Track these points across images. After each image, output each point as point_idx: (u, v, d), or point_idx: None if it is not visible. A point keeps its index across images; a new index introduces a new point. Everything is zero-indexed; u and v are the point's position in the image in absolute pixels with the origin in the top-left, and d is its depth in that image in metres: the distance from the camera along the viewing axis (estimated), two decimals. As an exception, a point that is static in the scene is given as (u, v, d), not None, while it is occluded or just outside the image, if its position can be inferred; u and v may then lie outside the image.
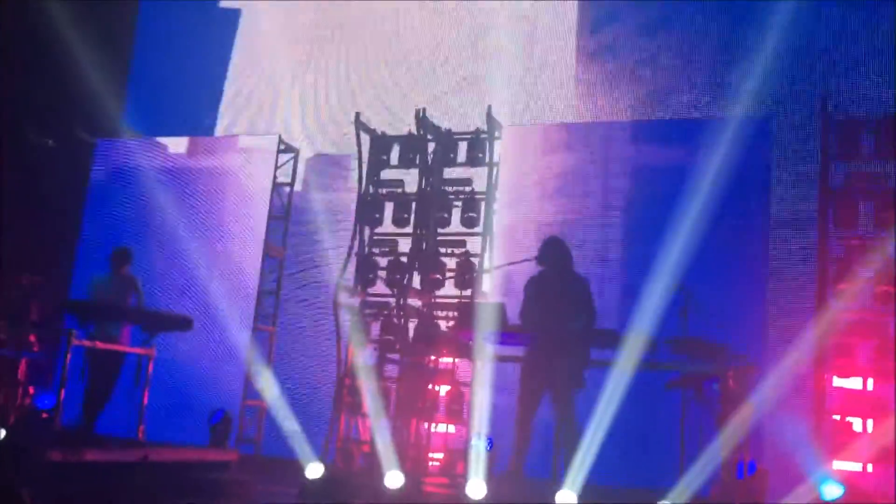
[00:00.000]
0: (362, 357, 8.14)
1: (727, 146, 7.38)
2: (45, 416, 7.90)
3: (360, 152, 8.72)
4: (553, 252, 6.63)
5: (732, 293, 7.71)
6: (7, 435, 6.42)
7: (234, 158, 10.63)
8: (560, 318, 6.33)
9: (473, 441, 6.49)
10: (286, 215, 10.12)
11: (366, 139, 8.81)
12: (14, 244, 9.90)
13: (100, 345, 7.30)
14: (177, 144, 11.05)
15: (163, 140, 11.19)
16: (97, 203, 10.77)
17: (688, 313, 6.44)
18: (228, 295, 10.34)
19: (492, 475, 6.10)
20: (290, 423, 7.59)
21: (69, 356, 6.93)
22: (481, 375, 7.33)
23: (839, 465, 6.96)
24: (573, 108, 9.66)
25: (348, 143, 9.39)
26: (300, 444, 7.06)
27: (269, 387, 9.05)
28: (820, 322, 7.28)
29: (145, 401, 7.47)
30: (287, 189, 10.18)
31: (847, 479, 6.52)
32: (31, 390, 8.51)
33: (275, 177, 10.14)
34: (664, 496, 5.22)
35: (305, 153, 10.50)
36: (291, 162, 10.26)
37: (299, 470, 6.55)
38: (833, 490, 5.97)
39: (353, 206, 8.83)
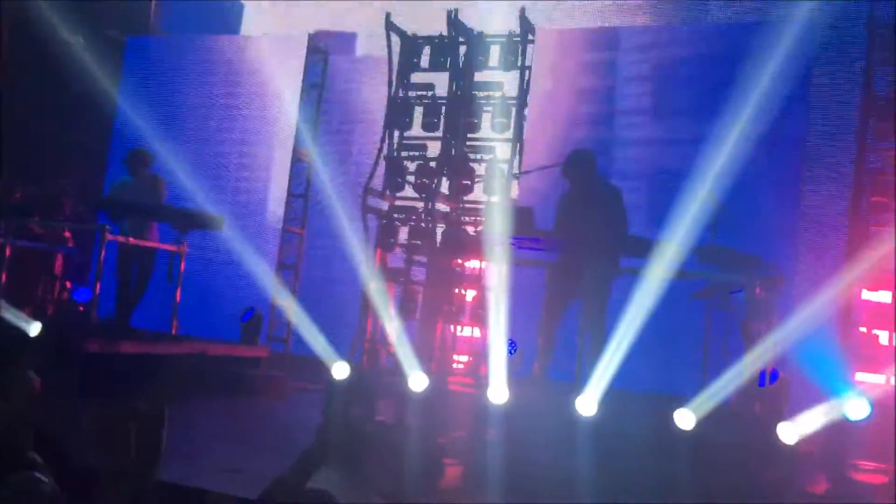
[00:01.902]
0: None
1: (767, 52, 7.16)
2: (81, 309, 8.11)
3: (389, 54, 8.59)
4: (577, 167, 6.47)
5: (765, 204, 7.61)
6: (45, 327, 6.60)
7: (263, 58, 10.51)
8: (590, 229, 6.27)
9: (496, 344, 6.53)
10: (316, 118, 10.07)
11: (396, 41, 8.66)
12: (48, 143, 9.99)
13: (132, 241, 7.42)
14: (206, 43, 10.94)
15: (192, 39, 11.09)
16: (128, 102, 10.76)
17: (717, 224, 6.35)
18: (258, 196, 10.42)
19: (515, 378, 6.19)
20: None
21: (103, 252, 7.06)
22: (506, 279, 7.38)
23: (863, 376, 7.00)
24: (610, 11, 9.39)
25: (378, 45, 9.23)
26: (326, 344, 7.18)
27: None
28: (852, 235, 7.20)
29: (178, 297, 7.63)
30: (317, 91, 10.10)
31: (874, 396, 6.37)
32: (68, 284, 8.71)
33: (304, 78, 10.04)
34: (685, 404, 5.27)
35: (335, 54, 10.36)
36: (321, 63, 10.13)
37: (327, 369, 6.67)
38: (859, 407, 5.51)
39: (383, 109, 8.75)
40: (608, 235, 6.25)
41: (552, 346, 6.44)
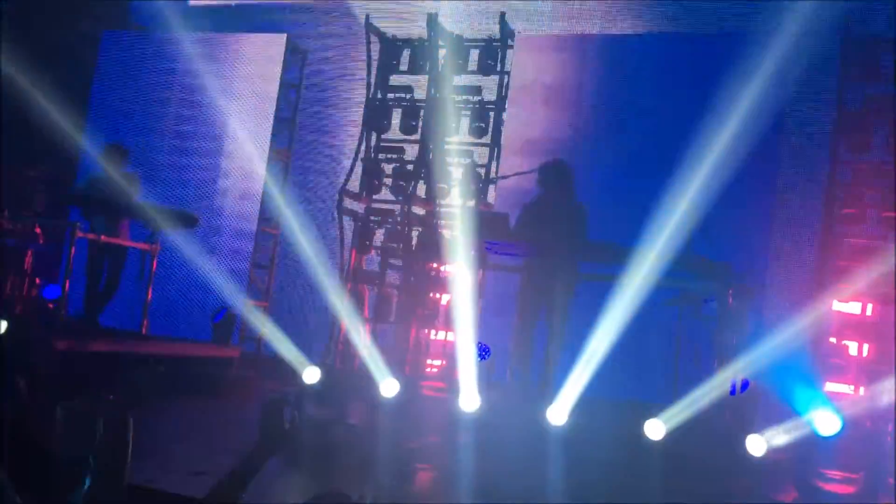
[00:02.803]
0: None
1: (744, 62, 7.21)
2: (50, 306, 8.00)
3: (369, 56, 8.57)
4: (557, 178, 6.48)
5: (738, 213, 7.66)
6: (12, 325, 6.50)
7: (241, 57, 10.44)
8: (555, 236, 6.27)
9: (469, 350, 6.50)
10: (293, 118, 10.01)
11: (375, 44, 8.64)
12: (20, 136, 9.85)
13: (104, 239, 7.33)
14: (184, 40, 10.84)
15: (169, 35, 10.99)
16: (103, 96, 10.65)
17: (692, 233, 6.36)
18: (233, 195, 10.33)
19: (488, 384, 6.18)
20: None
21: (74, 249, 6.97)
22: (481, 284, 7.38)
23: (832, 386, 7.07)
24: (591, 18, 9.41)
25: (358, 47, 9.20)
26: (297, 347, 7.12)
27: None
28: (824, 246, 7.27)
29: (149, 296, 7.55)
30: (294, 90, 10.04)
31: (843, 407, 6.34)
32: (38, 281, 8.60)
33: (282, 78, 9.98)
34: (656, 413, 5.28)
35: (313, 55, 10.31)
36: (299, 63, 10.08)
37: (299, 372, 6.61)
38: (830, 423, 5.41)
39: (361, 111, 8.72)
40: (573, 244, 6.25)
41: (527, 352, 6.44)
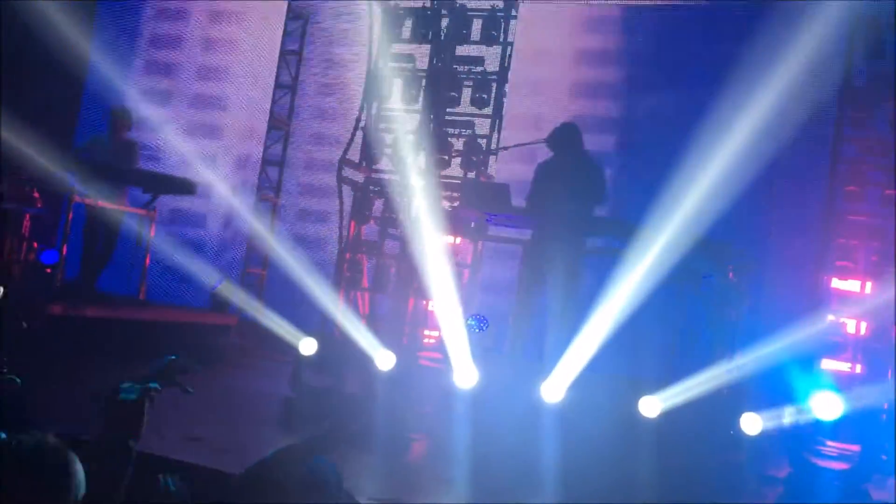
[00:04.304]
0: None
1: (752, 35, 7.13)
2: (48, 271, 7.97)
3: (371, 23, 8.47)
4: (564, 137, 6.49)
5: (740, 191, 7.61)
6: (8, 290, 6.47)
7: (241, 23, 10.34)
8: (565, 204, 6.25)
9: (467, 323, 6.48)
10: (293, 85, 9.93)
11: (377, 11, 8.53)
12: (18, 101, 9.76)
13: (101, 204, 7.28)
14: (183, 6, 10.73)
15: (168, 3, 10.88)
16: (101, 61, 10.54)
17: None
18: (233, 163, 10.28)
19: (485, 356, 6.17)
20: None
21: (71, 213, 6.94)
22: (480, 255, 7.36)
23: (829, 363, 7.07)
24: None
25: (360, 14, 9.10)
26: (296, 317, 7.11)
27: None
28: (826, 223, 7.24)
29: (147, 262, 7.53)
30: (295, 58, 9.95)
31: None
32: (36, 245, 8.55)
33: (283, 44, 9.89)
34: (652, 390, 5.28)
35: (314, 22, 10.20)
36: (300, 29, 9.98)
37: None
38: (831, 406, 5.31)
39: (363, 80, 8.64)
40: (582, 212, 6.21)
41: (527, 324, 6.43)
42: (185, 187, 7.68)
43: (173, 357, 2.37)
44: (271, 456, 2.63)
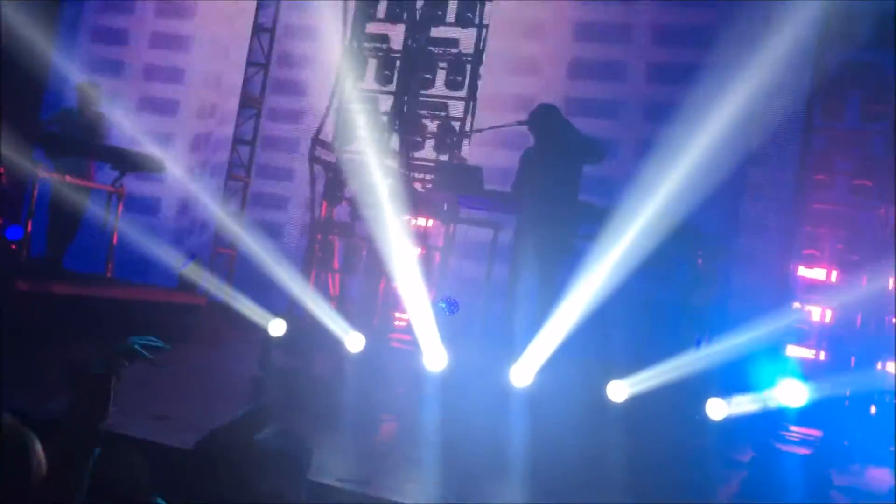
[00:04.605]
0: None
1: (726, 29, 7.18)
2: (13, 247, 7.83)
3: (345, 3, 8.38)
4: (541, 119, 6.45)
5: (710, 179, 7.67)
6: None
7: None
8: (544, 193, 6.24)
9: (438, 305, 6.47)
10: (266, 63, 9.80)
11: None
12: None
13: (68, 179, 7.17)
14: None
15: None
16: (70, 35, 10.35)
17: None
18: (204, 142, 10.15)
19: (454, 340, 6.17)
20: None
21: (36, 189, 6.82)
22: (453, 238, 7.35)
23: (794, 350, 7.17)
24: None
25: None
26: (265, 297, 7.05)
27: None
28: (794, 211, 7.32)
29: (114, 240, 7.43)
30: (268, 35, 9.82)
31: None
32: (0, 221, 8.41)
33: (255, 21, 9.75)
34: (620, 374, 5.32)
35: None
36: (273, 7, 9.84)
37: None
38: (797, 393, 5.36)
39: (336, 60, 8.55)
40: (562, 199, 6.20)
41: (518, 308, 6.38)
42: (154, 164, 7.58)
43: (138, 340, 2.34)
44: (210, 433, 2.65)
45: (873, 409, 6.47)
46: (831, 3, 7.06)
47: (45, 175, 6.94)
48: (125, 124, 8.78)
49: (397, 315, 7.95)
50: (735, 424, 5.66)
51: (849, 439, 6.18)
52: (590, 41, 9.23)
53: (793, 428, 6.25)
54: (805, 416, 6.03)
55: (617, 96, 8.79)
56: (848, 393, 6.35)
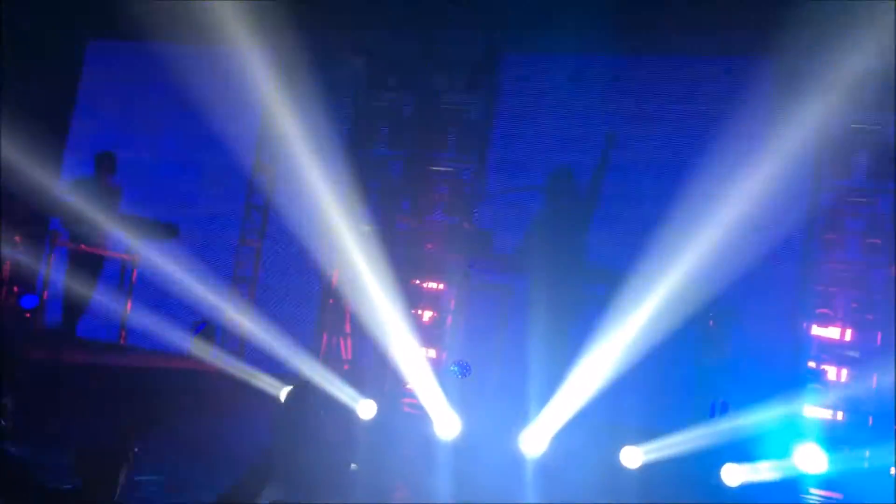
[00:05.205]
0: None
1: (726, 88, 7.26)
2: (27, 315, 7.90)
3: (356, 74, 8.55)
4: (554, 183, 6.53)
5: (719, 240, 7.66)
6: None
7: (230, 69, 10.37)
8: (554, 256, 6.28)
9: (450, 369, 6.44)
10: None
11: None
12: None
13: (83, 248, 7.26)
14: (170, 49, 10.77)
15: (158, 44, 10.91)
16: (87, 105, 10.56)
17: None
18: (218, 206, 10.24)
19: (468, 402, 6.14)
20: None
21: (52, 257, 6.90)
22: (464, 302, 7.35)
23: (811, 410, 7.07)
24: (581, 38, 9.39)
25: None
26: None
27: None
28: (804, 271, 7.30)
29: (128, 307, 7.48)
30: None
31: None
32: (16, 290, 8.48)
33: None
34: (634, 440, 5.25)
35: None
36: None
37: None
38: (816, 460, 5.34)
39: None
40: (573, 262, 6.24)
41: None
42: (167, 231, 7.67)
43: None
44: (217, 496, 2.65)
45: (893, 471, 6.35)
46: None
47: (61, 244, 7.03)
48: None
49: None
50: (752, 488, 5.57)
51: (869, 501, 6.05)
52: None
53: (813, 490, 6.14)
54: (825, 478, 5.94)
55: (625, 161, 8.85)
56: (867, 454, 6.25)
